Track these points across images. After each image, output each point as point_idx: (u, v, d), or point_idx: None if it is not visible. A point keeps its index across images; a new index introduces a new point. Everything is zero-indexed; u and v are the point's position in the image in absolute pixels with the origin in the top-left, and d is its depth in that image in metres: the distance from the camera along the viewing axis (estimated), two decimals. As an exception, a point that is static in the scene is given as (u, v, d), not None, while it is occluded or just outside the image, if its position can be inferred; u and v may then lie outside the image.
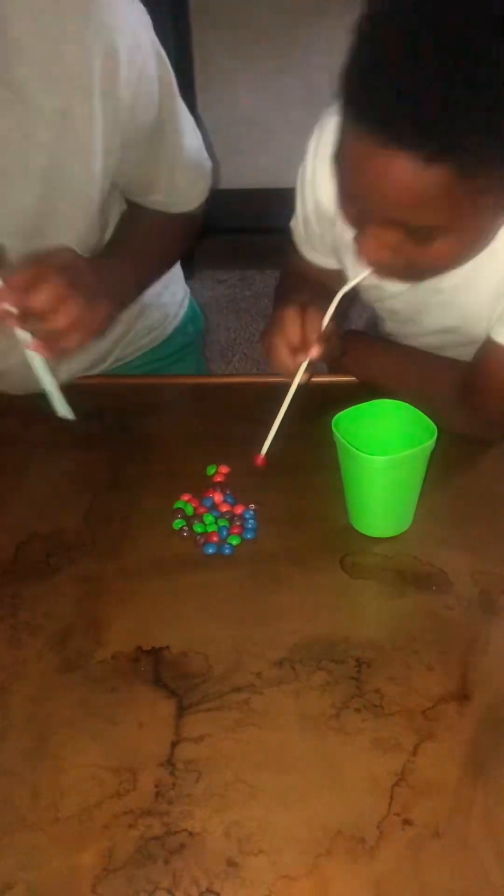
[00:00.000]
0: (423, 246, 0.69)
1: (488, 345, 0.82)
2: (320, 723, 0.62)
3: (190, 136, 0.94)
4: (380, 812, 0.56)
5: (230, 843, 0.55)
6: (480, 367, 0.84)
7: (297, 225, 0.95)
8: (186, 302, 1.20)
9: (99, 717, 0.63)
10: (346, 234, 0.83)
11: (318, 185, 0.87)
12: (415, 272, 0.75)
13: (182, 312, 1.19)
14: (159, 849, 0.55)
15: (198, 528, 0.79)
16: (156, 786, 0.58)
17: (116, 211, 0.98)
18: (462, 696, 0.63)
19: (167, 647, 0.68)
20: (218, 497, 0.82)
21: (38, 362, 0.79)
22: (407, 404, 0.77)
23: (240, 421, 0.93)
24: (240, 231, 2.64)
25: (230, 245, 2.78)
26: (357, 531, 0.78)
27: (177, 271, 1.15)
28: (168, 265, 1.06)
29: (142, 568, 0.76)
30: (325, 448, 0.76)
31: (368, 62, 0.62)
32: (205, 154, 0.98)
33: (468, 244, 0.71)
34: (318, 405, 0.80)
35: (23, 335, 0.76)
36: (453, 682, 0.64)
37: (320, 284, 0.94)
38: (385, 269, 0.74)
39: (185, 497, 0.82)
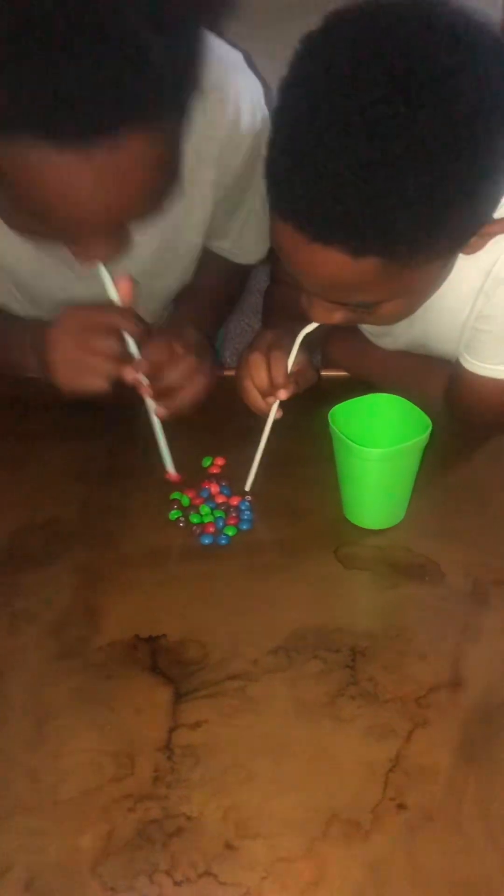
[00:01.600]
0: (371, 311, 0.70)
1: (459, 368, 0.84)
2: (315, 710, 0.63)
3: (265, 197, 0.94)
4: (374, 797, 0.57)
5: (227, 827, 0.56)
6: (455, 385, 0.86)
7: None
8: None
9: (97, 703, 0.64)
10: None
11: None
12: (369, 323, 0.77)
13: None
14: (158, 832, 0.56)
15: (194, 519, 0.80)
16: (154, 771, 0.59)
17: None
18: (454, 683, 0.65)
19: (164, 636, 0.69)
20: (214, 488, 0.83)
21: (157, 425, 0.84)
22: (402, 398, 0.78)
23: (234, 414, 0.93)
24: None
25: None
26: (351, 523, 0.79)
27: None
28: (229, 312, 1.11)
29: (138, 557, 0.76)
30: (321, 441, 0.76)
31: (286, 159, 0.61)
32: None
33: (417, 300, 0.73)
34: (315, 398, 0.81)
35: (151, 402, 0.82)
36: (446, 670, 0.66)
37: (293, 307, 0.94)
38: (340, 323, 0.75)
39: (187, 493, 0.83)
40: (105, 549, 0.77)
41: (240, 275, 1.06)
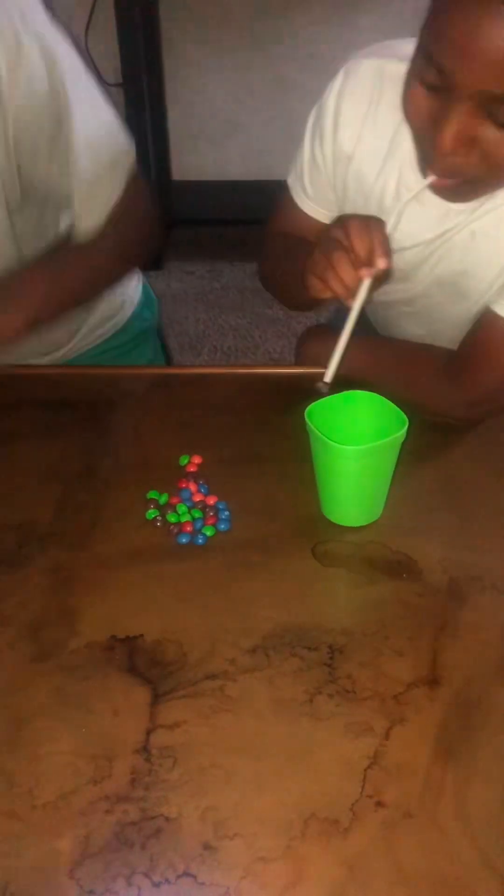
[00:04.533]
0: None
1: (487, 315, 0.84)
2: (294, 708, 0.63)
3: (89, 123, 0.89)
4: (353, 794, 0.57)
5: (206, 827, 0.56)
6: (477, 339, 0.86)
7: (300, 173, 0.95)
8: (140, 287, 1.20)
9: (74, 705, 0.63)
10: (365, 168, 0.87)
11: (340, 123, 0.88)
12: (480, 176, 0.74)
13: (137, 297, 1.19)
14: (136, 834, 0.55)
15: (171, 518, 0.79)
16: (131, 772, 0.59)
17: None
18: (432, 680, 0.65)
19: (141, 636, 0.68)
20: (191, 487, 0.83)
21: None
22: (379, 395, 0.78)
23: (211, 412, 0.94)
24: (207, 223, 2.64)
25: (198, 237, 2.77)
26: (329, 521, 0.79)
27: None
28: (105, 282, 1.03)
29: (115, 558, 0.76)
30: (298, 438, 0.76)
31: None
32: (117, 139, 0.93)
33: None
34: (292, 396, 0.81)
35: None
36: (423, 667, 0.66)
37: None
38: (453, 169, 0.73)
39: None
40: (80, 549, 0.77)
41: (113, 241, 0.97)
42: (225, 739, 0.61)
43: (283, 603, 0.71)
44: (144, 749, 0.60)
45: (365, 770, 0.59)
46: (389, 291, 0.97)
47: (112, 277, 1.04)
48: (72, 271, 0.94)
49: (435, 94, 0.70)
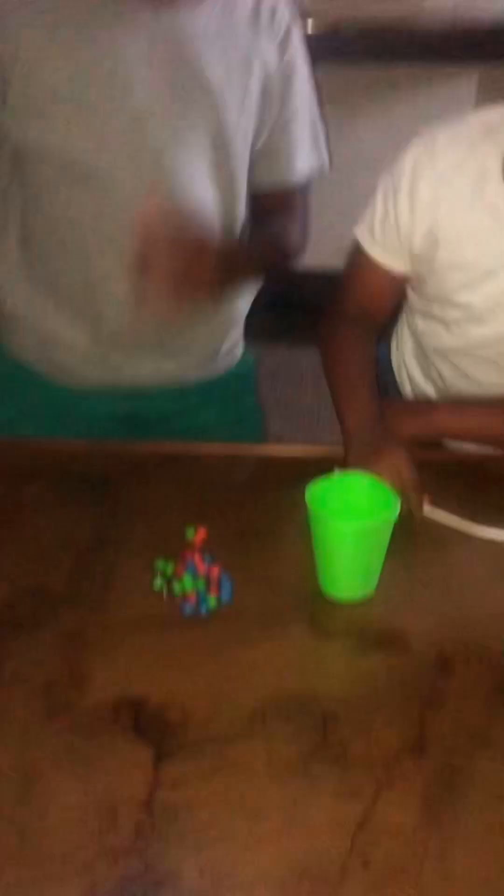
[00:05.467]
0: None
1: None
2: (288, 771, 0.67)
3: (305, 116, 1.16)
4: (342, 854, 0.61)
5: (205, 882, 0.59)
6: None
7: (372, 229, 1.07)
8: (242, 346, 1.33)
9: (82, 762, 0.67)
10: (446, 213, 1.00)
11: (418, 175, 1.01)
12: None
13: (240, 350, 1.31)
14: (139, 886, 0.59)
15: (177, 588, 0.84)
16: (135, 828, 0.62)
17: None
18: (419, 749, 0.69)
19: (147, 699, 0.73)
20: (196, 559, 0.88)
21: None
22: (373, 478, 0.85)
23: (217, 487, 1.00)
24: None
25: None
26: (325, 595, 0.84)
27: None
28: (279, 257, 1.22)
29: (123, 624, 0.81)
30: (299, 515, 0.82)
31: None
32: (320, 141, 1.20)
33: None
34: (294, 475, 0.87)
35: None
36: (411, 735, 0.70)
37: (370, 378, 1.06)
38: None
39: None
40: (91, 615, 0.82)
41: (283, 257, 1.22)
42: (224, 798, 0.65)
43: (281, 672, 0.76)
44: (148, 805, 0.64)
45: (354, 831, 0.62)
46: (465, 335, 1.06)
47: (289, 259, 1.22)
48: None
49: None
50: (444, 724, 0.71)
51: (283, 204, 1.20)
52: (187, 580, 0.85)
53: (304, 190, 1.21)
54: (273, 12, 1.08)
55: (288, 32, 1.10)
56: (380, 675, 0.76)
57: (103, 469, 1.03)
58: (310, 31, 2.19)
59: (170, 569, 0.87)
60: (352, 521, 0.81)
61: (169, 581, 0.85)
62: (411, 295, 1.15)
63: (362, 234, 1.08)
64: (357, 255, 1.10)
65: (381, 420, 0.99)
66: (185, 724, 0.70)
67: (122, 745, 0.69)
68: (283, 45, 1.10)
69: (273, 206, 1.19)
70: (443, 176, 1.00)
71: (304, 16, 2.21)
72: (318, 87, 1.18)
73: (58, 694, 0.73)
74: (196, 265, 0.99)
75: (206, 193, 1.08)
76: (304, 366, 2.75)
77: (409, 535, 0.86)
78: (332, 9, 2.23)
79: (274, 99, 1.11)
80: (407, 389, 1.26)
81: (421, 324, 1.16)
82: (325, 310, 1.15)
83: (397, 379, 1.28)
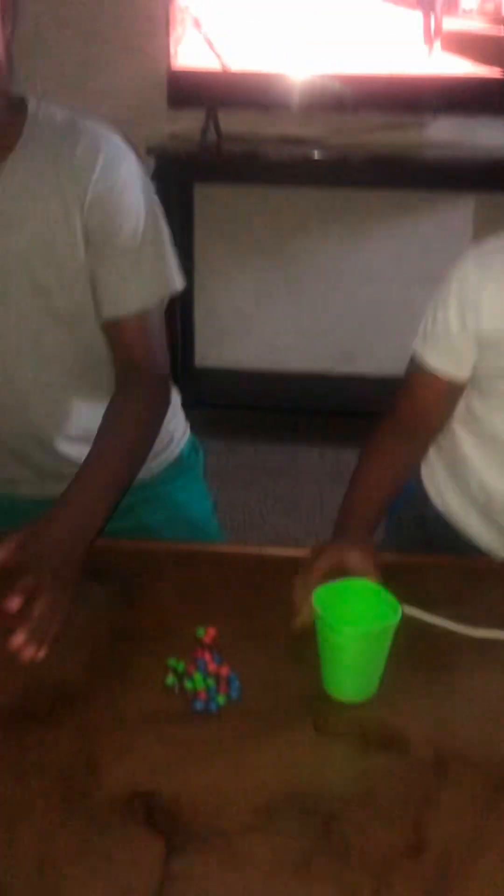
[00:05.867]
0: None
1: None
2: (292, 867, 0.70)
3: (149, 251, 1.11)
4: None
5: None
6: None
7: (426, 337, 1.14)
8: (188, 430, 1.37)
9: (96, 854, 0.71)
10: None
11: (467, 285, 1.09)
12: None
13: (185, 439, 1.35)
14: None
15: (188, 685, 0.89)
16: (146, 918, 0.66)
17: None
18: (418, 848, 0.72)
19: (158, 792, 0.76)
20: (207, 658, 0.92)
21: None
22: (377, 585, 0.91)
23: (226, 587, 1.05)
24: (224, 406, 2.85)
25: (215, 418, 2.99)
26: (329, 697, 0.88)
27: (175, 402, 1.30)
28: (130, 482, 1.15)
29: (137, 719, 0.85)
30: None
31: None
32: (169, 273, 1.15)
33: None
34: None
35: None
36: (409, 835, 0.73)
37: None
38: None
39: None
40: (106, 709, 0.86)
41: (143, 442, 1.15)
42: (231, 892, 0.68)
43: (286, 769, 0.80)
44: (158, 897, 0.67)
45: (355, 928, 0.65)
46: None
47: (147, 447, 1.16)
48: (112, 489, 1.08)
49: None
50: (443, 824, 0.74)
51: (124, 337, 1.15)
52: (198, 678, 0.89)
53: (143, 319, 1.14)
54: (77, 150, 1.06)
55: (100, 167, 1.07)
56: (380, 775, 0.80)
57: (116, 566, 1.09)
58: (318, 157, 2.37)
59: (181, 666, 0.91)
60: (355, 625, 0.86)
61: (180, 678, 0.90)
62: (474, 397, 1.21)
63: (419, 346, 1.16)
64: (415, 366, 1.17)
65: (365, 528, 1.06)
66: (195, 817, 0.74)
67: (135, 837, 0.72)
68: (95, 183, 1.06)
69: (117, 339, 1.15)
70: (496, 280, 1.08)
71: (309, 145, 2.41)
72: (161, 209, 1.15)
73: (74, 786, 0.77)
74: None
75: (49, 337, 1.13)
76: (305, 465, 2.85)
77: (409, 638, 0.91)
78: (341, 139, 2.41)
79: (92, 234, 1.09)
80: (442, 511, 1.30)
81: (487, 417, 1.20)
82: (379, 421, 1.21)
83: (439, 508, 1.30)
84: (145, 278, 1.12)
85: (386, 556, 1.14)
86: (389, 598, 0.88)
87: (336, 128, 2.43)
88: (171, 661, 0.92)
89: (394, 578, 1.06)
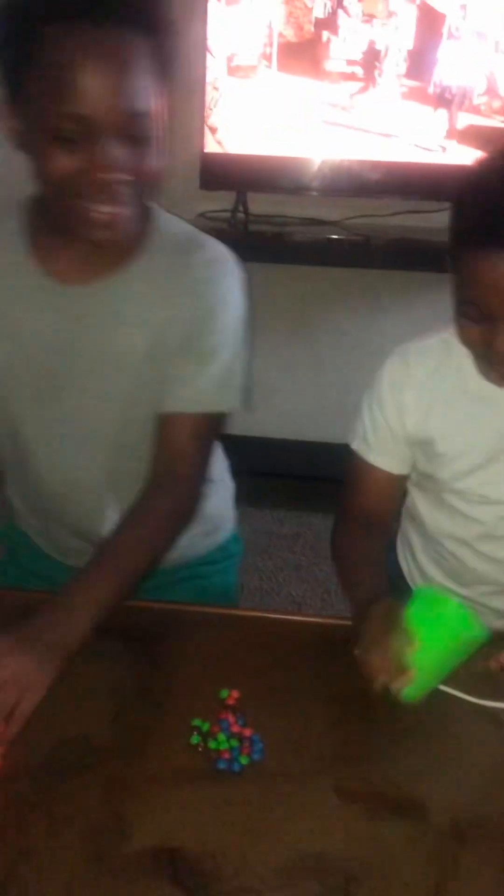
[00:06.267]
0: None
1: None
2: (313, 927, 0.72)
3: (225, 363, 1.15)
4: None
5: None
6: None
7: (366, 439, 1.19)
8: (235, 523, 1.42)
9: (123, 905, 0.73)
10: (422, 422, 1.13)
11: (398, 387, 1.15)
12: None
13: (231, 528, 1.40)
14: None
15: (212, 745, 0.91)
16: None
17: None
18: (435, 913, 0.74)
19: (184, 848, 0.79)
20: (230, 718, 0.95)
21: None
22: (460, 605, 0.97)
23: (250, 650, 1.08)
24: (241, 473, 2.89)
25: (235, 484, 3.03)
26: (347, 761, 0.90)
27: (227, 492, 1.37)
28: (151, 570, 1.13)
29: (162, 775, 0.87)
30: (325, 681, 0.90)
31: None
32: (238, 390, 1.18)
33: None
34: (316, 641, 0.96)
35: None
36: (427, 900, 0.75)
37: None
38: None
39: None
40: (132, 765, 0.88)
41: (159, 548, 1.13)
42: None
43: (307, 831, 0.82)
44: None
45: None
46: (476, 519, 1.17)
47: (162, 553, 1.14)
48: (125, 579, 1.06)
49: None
50: (459, 891, 0.76)
51: (175, 433, 1.16)
52: (222, 739, 0.92)
53: (199, 424, 1.15)
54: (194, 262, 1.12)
55: (211, 281, 1.12)
56: (399, 839, 0.82)
57: (144, 625, 1.12)
58: (341, 238, 2.47)
59: (206, 726, 0.94)
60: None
61: (205, 738, 0.92)
62: (414, 493, 1.27)
63: (358, 445, 1.20)
64: (356, 464, 1.21)
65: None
66: (219, 874, 0.76)
67: (160, 891, 0.74)
68: (205, 296, 1.11)
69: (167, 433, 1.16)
70: (423, 382, 1.14)
71: (333, 226, 2.51)
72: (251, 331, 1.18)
73: (102, 840, 0.79)
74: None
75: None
76: (323, 533, 2.88)
77: (425, 708, 0.94)
78: (364, 223, 2.52)
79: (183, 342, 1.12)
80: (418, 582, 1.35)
81: (429, 516, 1.25)
82: (335, 517, 1.26)
83: (409, 581, 1.36)
84: (217, 386, 1.15)
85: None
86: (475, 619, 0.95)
87: (358, 211, 2.54)
88: (197, 721, 0.94)
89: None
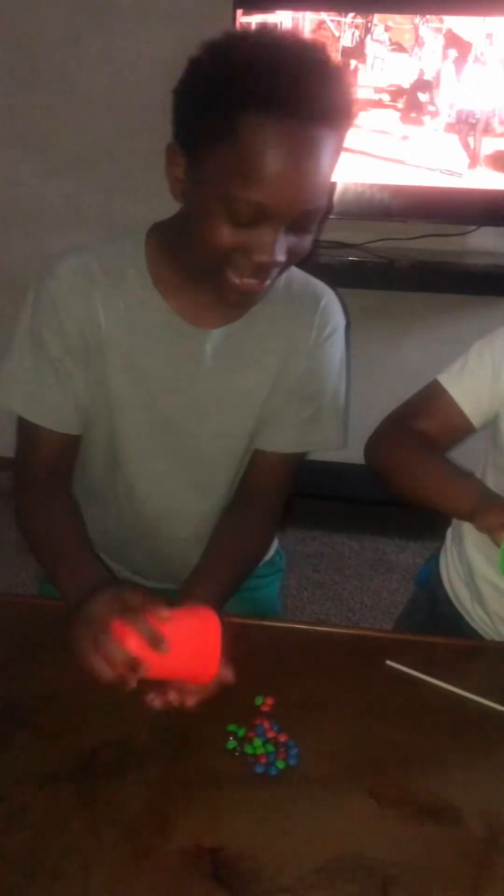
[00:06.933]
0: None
1: None
2: (352, 926, 0.73)
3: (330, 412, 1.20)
4: None
5: None
6: None
7: (460, 377, 1.20)
8: (276, 539, 1.45)
9: (166, 901, 0.74)
10: None
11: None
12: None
13: (276, 544, 1.44)
14: None
15: (248, 750, 0.93)
16: None
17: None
18: (473, 915, 0.75)
19: (223, 848, 0.80)
20: (265, 724, 0.97)
21: None
22: None
23: (283, 659, 1.09)
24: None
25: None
26: (383, 767, 0.92)
27: None
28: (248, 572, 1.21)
29: (200, 777, 0.89)
30: (356, 690, 0.91)
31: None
32: (333, 433, 1.22)
33: None
34: (344, 652, 0.97)
35: None
36: (465, 902, 0.76)
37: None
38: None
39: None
40: (171, 767, 0.90)
41: (263, 533, 1.24)
42: (294, 945, 0.71)
43: (344, 833, 0.83)
44: None
45: None
46: None
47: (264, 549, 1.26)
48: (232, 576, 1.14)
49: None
50: (498, 892, 0.77)
51: (266, 468, 1.22)
52: (258, 744, 0.94)
53: (288, 462, 1.21)
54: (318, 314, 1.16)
55: (320, 326, 1.16)
56: (435, 844, 0.83)
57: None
58: (366, 259, 2.51)
59: (242, 732, 0.95)
60: None
61: (241, 743, 0.94)
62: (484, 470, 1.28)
63: (447, 380, 1.21)
64: (434, 393, 1.22)
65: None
66: (259, 874, 0.77)
67: (202, 890, 0.76)
68: (315, 341, 1.16)
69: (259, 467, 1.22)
70: None
71: (358, 250, 2.55)
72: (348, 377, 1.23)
73: (144, 838, 0.81)
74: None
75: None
76: (346, 553, 2.89)
77: (457, 717, 0.95)
78: (389, 246, 2.55)
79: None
80: (457, 590, 1.37)
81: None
82: (380, 429, 1.25)
83: (447, 594, 1.38)
84: (312, 429, 1.20)
85: (433, 638, 1.19)
86: None
87: (381, 234, 2.58)
88: (232, 727, 0.96)
89: (441, 659, 1.10)
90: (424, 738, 0.97)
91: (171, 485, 1.22)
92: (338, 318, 1.19)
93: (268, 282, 1.00)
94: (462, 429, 1.22)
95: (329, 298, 1.18)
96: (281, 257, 0.95)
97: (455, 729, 0.97)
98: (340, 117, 0.92)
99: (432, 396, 1.23)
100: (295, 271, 1.16)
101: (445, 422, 1.22)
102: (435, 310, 2.72)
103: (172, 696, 0.94)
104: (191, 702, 0.95)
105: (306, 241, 0.98)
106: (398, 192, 2.47)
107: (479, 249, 2.59)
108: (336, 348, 1.19)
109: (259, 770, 0.90)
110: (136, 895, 0.75)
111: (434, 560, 1.45)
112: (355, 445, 1.28)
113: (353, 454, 1.28)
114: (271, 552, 1.43)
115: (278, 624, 1.19)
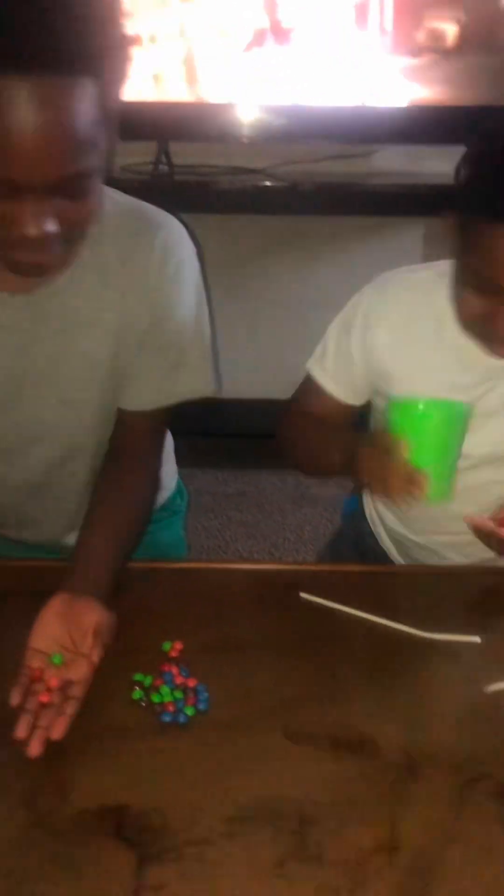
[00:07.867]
0: None
1: None
2: (267, 873, 0.69)
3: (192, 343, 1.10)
4: None
5: None
6: None
7: (324, 363, 1.16)
8: (176, 477, 1.38)
9: (67, 869, 0.69)
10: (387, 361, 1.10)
11: (371, 322, 1.11)
12: None
13: (174, 485, 1.36)
14: None
15: (155, 698, 0.88)
16: (119, 931, 0.64)
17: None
18: (391, 847, 0.72)
19: (129, 805, 0.75)
20: (173, 670, 0.92)
21: None
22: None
23: (189, 602, 1.04)
24: (185, 433, 2.85)
25: (175, 446, 2.98)
26: (295, 702, 0.88)
27: (168, 448, 1.30)
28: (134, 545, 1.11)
29: (104, 733, 0.83)
30: (269, 628, 0.87)
31: None
32: (202, 376, 1.12)
33: None
34: (259, 590, 0.93)
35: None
36: (383, 835, 0.73)
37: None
38: None
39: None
40: (72, 724, 0.84)
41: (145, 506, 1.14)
42: (205, 900, 0.67)
43: (257, 776, 0.79)
44: (131, 910, 0.66)
45: (332, 929, 0.65)
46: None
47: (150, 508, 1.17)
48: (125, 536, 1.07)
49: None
50: (414, 823, 0.74)
51: (133, 426, 1.14)
52: (165, 691, 0.89)
53: (156, 417, 1.13)
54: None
55: (160, 265, 1.04)
56: (351, 778, 0.79)
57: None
58: (269, 184, 2.42)
59: (148, 680, 0.90)
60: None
61: (147, 692, 0.89)
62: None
63: (314, 368, 1.17)
64: (309, 386, 1.18)
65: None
66: (167, 828, 0.73)
67: (106, 851, 0.71)
68: (155, 287, 1.04)
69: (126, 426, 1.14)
70: (398, 322, 1.10)
71: (260, 174, 2.46)
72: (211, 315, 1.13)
73: (41, 803, 0.75)
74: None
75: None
76: (266, 490, 2.86)
77: (372, 644, 0.92)
78: (291, 169, 2.46)
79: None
80: (380, 531, 1.34)
81: None
82: (280, 422, 1.24)
83: (371, 528, 1.35)
84: (180, 378, 1.10)
85: (349, 567, 1.15)
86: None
87: (285, 158, 2.48)
88: (138, 676, 0.91)
89: (356, 588, 1.07)
90: (340, 669, 0.93)
91: (29, 454, 1.13)
92: (182, 250, 1.06)
93: (53, 256, 0.88)
94: (349, 413, 1.20)
95: (168, 231, 1.05)
96: (50, 227, 0.82)
97: (372, 657, 0.93)
98: (91, 57, 0.75)
99: (308, 391, 1.20)
100: (129, 207, 1.04)
101: (329, 409, 1.19)
102: (343, 234, 2.66)
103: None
104: (95, 657, 0.89)
105: (85, 205, 0.85)
106: (298, 112, 2.38)
107: (383, 171, 2.52)
108: (186, 285, 1.07)
109: (167, 718, 0.85)
110: (36, 865, 0.69)
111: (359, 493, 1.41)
112: (273, 380, 1.22)
113: (272, 388, 1.22)
114: (165, 495, 1.35)
115: (183, 565, 1.14)
